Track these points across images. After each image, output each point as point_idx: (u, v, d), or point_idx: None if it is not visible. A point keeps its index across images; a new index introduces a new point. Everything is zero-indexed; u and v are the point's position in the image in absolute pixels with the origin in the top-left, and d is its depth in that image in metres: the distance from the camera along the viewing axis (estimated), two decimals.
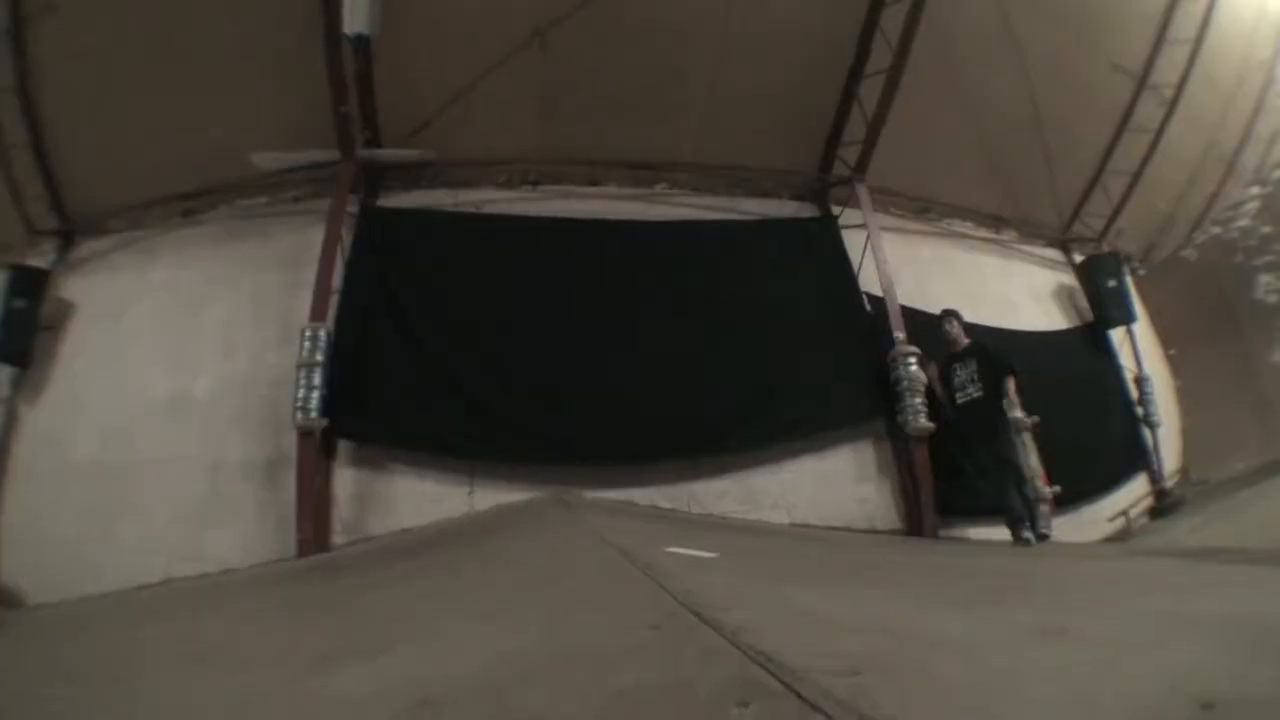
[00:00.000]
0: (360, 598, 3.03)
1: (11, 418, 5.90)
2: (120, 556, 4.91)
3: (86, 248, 5.35)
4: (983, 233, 6.82)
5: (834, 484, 5.24)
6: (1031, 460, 5.17)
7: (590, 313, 4.83)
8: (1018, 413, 4.97)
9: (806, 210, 5.92)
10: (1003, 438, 4.70)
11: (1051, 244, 7.14)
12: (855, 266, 5.56)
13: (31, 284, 5.79)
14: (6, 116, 5.82)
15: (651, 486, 4.80)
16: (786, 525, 5.01)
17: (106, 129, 5.35)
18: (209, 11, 4.97)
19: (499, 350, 4.72)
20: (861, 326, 5.34)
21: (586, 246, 4.99)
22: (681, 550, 2.78)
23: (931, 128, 6.08)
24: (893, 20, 5.20)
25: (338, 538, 4.81)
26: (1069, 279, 7.19)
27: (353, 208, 4.82)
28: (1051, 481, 5.19)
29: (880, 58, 5.39)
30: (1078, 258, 7.21)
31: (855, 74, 5.61)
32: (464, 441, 4.59)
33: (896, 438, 5.27)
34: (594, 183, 5.30)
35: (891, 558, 4.01)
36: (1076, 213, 7.14)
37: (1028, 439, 5.19)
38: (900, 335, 5.30)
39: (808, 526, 5.04)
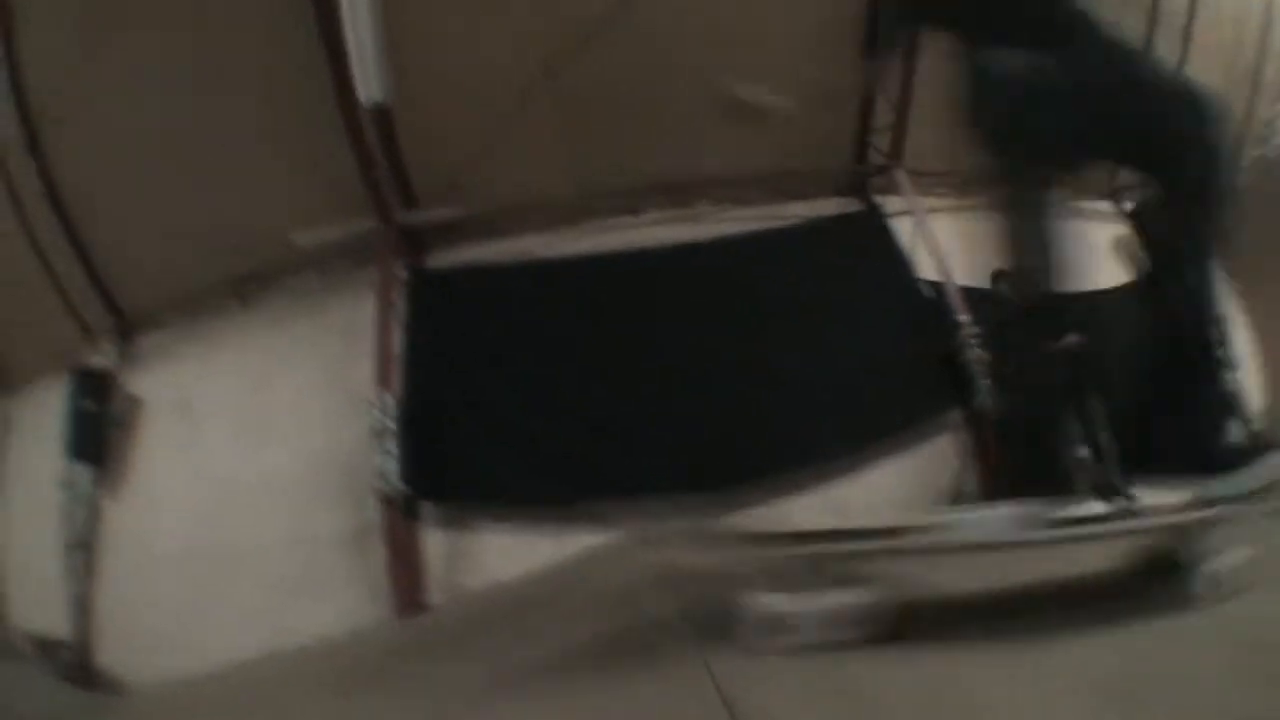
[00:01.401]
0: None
1: (95, 513, 6.18)
2: (220, 636, 5.06)
3: (146, 342, 5.55)
4: None
5: (917, 482, 5.17)
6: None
7: (648, 344, 4.86)
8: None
9: (851, 205, 5.85)
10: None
11: (1101, 196, 7.00)
12: (908, 254, 5.49)
13: (96, 385, 6.03)
14: (42, 226, 6.08)
15: (739, 509, 4.70)
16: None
17: (144, 227, 5.53)
18: (224, 101, 5.10)
19: (563, 393, 4.77)
20: (923, 316, 5.27)
21: (634, 277, 5.02)
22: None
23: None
24: None
25: (433, 596, 5.00)
26: (1124, 232, 7.08)
27: (402, 271, 4.92)
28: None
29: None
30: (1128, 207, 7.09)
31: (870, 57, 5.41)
32: (540, 489, 4.66)
33: (973, 424, 5.19)
34: (634, 211, 5.31)
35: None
36: None
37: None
38: (964, 318, 5.23)
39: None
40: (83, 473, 6.11)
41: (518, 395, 4.76)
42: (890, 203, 5.81)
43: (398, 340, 4.74)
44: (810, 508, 4.97)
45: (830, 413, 4.94)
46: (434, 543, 4.82)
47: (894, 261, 5.46)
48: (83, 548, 6.23)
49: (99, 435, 5.85)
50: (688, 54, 5.25)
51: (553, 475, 4.66)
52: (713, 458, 4.71)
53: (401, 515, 4.69)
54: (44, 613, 6.67)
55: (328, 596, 4.93)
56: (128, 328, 5.62)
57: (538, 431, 4.71)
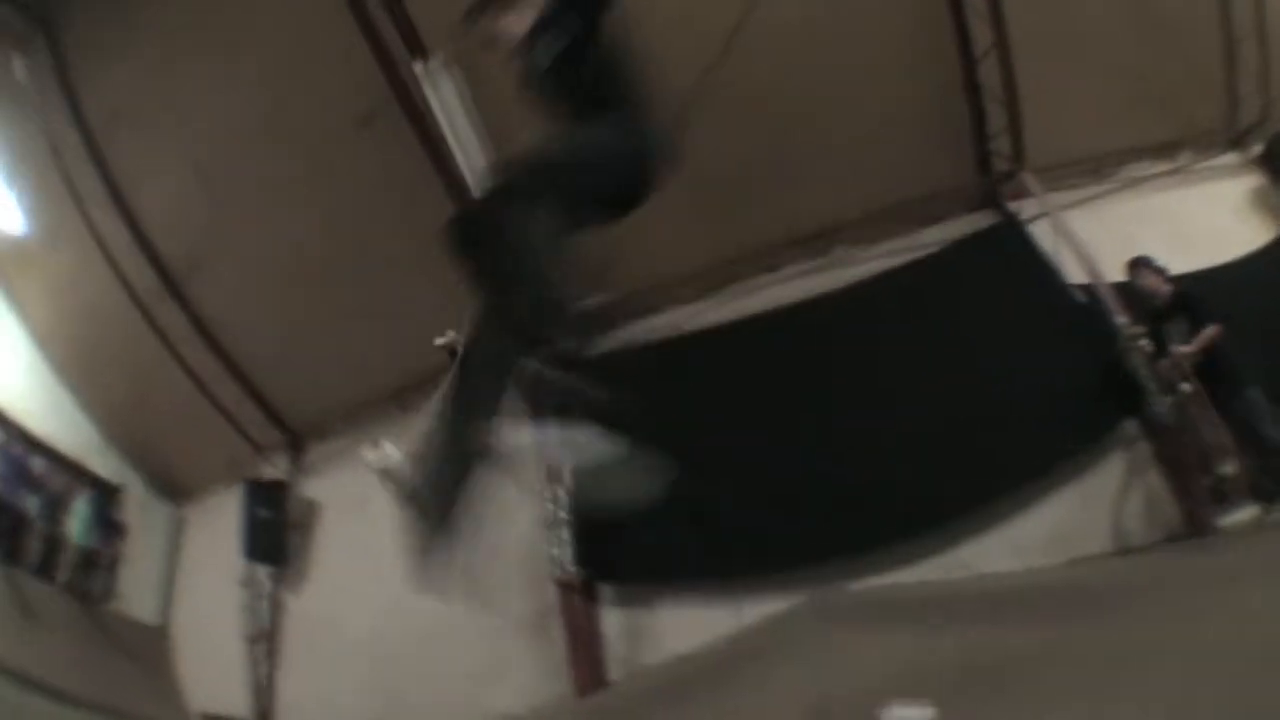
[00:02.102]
0: None
1: (277, 608, 6.64)
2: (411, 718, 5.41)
3: (317, 451, 5.96)
4: (1160, 166, 6.06)
5: (1101, 506, 4.87)
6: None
7: (808, 405, 4.84)
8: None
9: (986, 219, 5.64)
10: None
11: (1227, 147, 6.21)
12: (1053, 258, 5.21)
13: (269, 495, 6.53)
14: (196, 357, 6.73)
15: (919, 561, 4.68)
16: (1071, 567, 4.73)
17: (299, 349, 6.01)
18: (352, 235, 5.55)
19: (728, 464, 4.76)
20: (1080, 325, 4.98)
21: (784, 339, 5.03)
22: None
23: (1062, 80, 5.63)
24: None
25: (613, 673, 5.14)
26: (1260, 181, 6.20)
27: None
28: None
29: (982, 36, 5.17)
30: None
31: (967, 62, 5.34)
32: (715, 563, 4.70)
33: (1150, 435, 4.83)
34: (773, 268, 5.36)
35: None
36: (1234, 100, 6.18)
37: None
38: (1122, 319, 4.88)
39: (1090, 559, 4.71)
40: (262, 571, 6.60)
41: (681, 472, 4.86)
42: (1026, 206, 5.56)
43: None
44: (992, 550, 4.78)
45: (1003, 448, 4.72)
46: (612, 621, 4.96)
47: (1039, 273, 5.19)
48: (264, 638, 6.73)
49: (276, 538, 6.31)
50: (794, 103, 5.29)
51: (725, 548, 4.69)
52: (887, 514, 4.62)
53: (579, 598, 4.85)
54: (222, 698, 7.19)
55: (511, 678, 5.15)
56: (297, 439, 6.06)
57: (706, 506, 4.70)
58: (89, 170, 6.54)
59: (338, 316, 5.68)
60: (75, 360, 10.27)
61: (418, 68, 4.72)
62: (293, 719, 6.47)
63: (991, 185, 5.65)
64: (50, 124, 6.35)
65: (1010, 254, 5.31)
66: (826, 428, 4.83)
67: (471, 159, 4.79)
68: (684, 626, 4.84)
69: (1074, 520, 4.86)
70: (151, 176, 6.52)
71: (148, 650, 8.92)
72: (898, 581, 4.66)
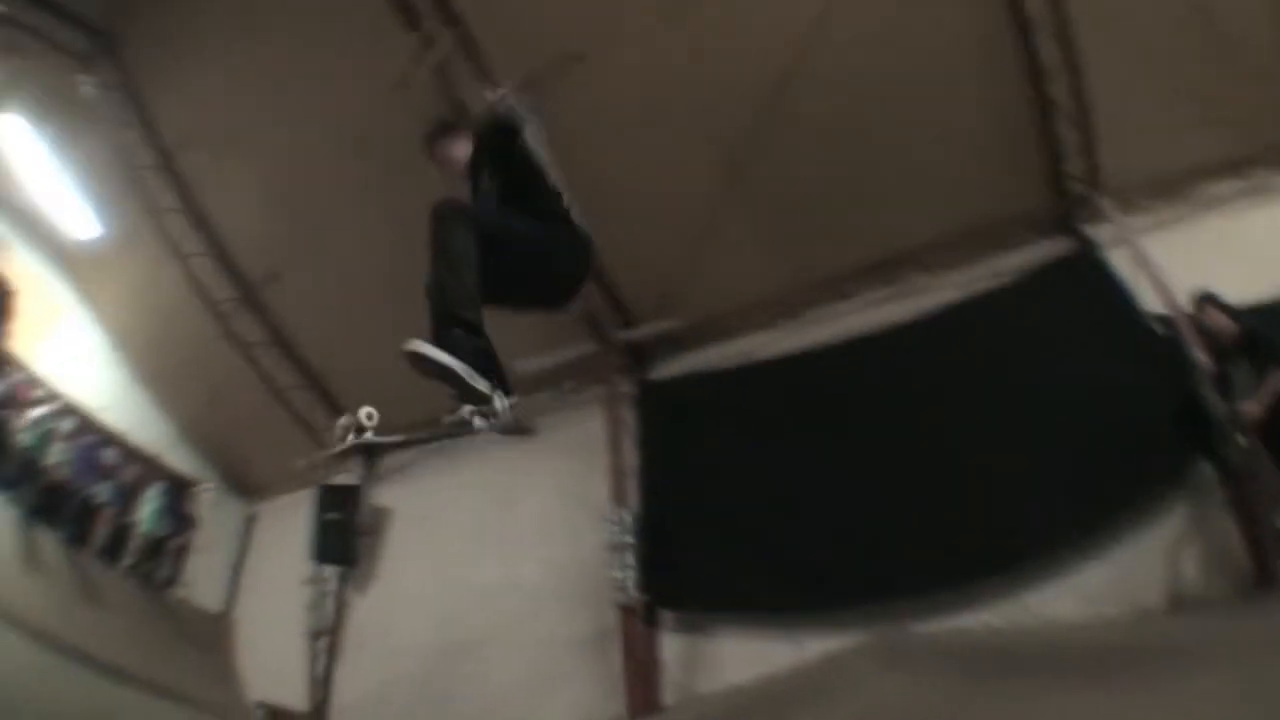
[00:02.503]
0: None
1: (341, 607, 6.93)
2: None
3: (391, 459, 6.24)
4: (1235, 185, 5.69)
5: (1167, 550, 4.59)
6: None
7: (876, 438, 4.81)
8: None
9: (1061, 245, 5.44)
10: None
11: None
12: (1130, 287, 4.96)
13: (340, 498, 6.85)
14: (272, 362, 7.11)
15: (983, 604, 4.55)
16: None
17: (375, 357, 6.24)
18: (418, 241, 5.68)
19: (795, 496, 4.81)
20: (1157, 358, 4.75)
21: (853, 370, 5.02)
22: None
23: (1132, 99, 5.38)
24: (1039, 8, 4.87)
25: (668, 698, 5.22)
26: None
27: (628, 386, 5.30)
28: None
29: (1050, 55, 5.01)
30: None
31: (1036, 82, 5.17)
32: (778, 596, 4.71)
33: (1224, 479, 4.50)
34: (846, 296, 5.33)
35: None
36: None
37: None
38: (1199, 354, 4.56)
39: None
40: (328, 572, 6.90)
41: (749, 501, 4.86)
42: (1102, 231, 5.33)
43: (630, 454, 5.05)
44: (1058, 596, 4.59)
45: (1072, 492, 4.56)
46: (671, 646, 5.00)
47: (1117, 303, 4.98)
48: (326, 635, 7.02)
49: (344, 540, 6.60)
50: (864, 128, 5.25)
51: (788, 581, 4.69)
52: (953, 555, 4.55)
53: (639, 622, 4.92)
54: (280, 689, 7.49)
55: (564, 694, 5.21)
56: (369, 447, 6.32)
57: (771, 537, 4.77)
58: (164, 182, 7.02)
59: (413, 329, 5.84)
60: (151, 360, 10.89)
61: (486, 94, 4.89)
62: (347, 715, 6.72)
63: (1066, 209, 5.46)
64: (123, 139, 6.84)
65: (1087, 283, 5.11)
66: (894, 463, 4.79)
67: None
68: (743, 657, 4.86)
69: (1143, 567, 4.61)
70: (226, 191, 6.97)
71: (209, 637, 9.34)
72: (960, 626, 4.57)
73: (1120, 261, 5.14)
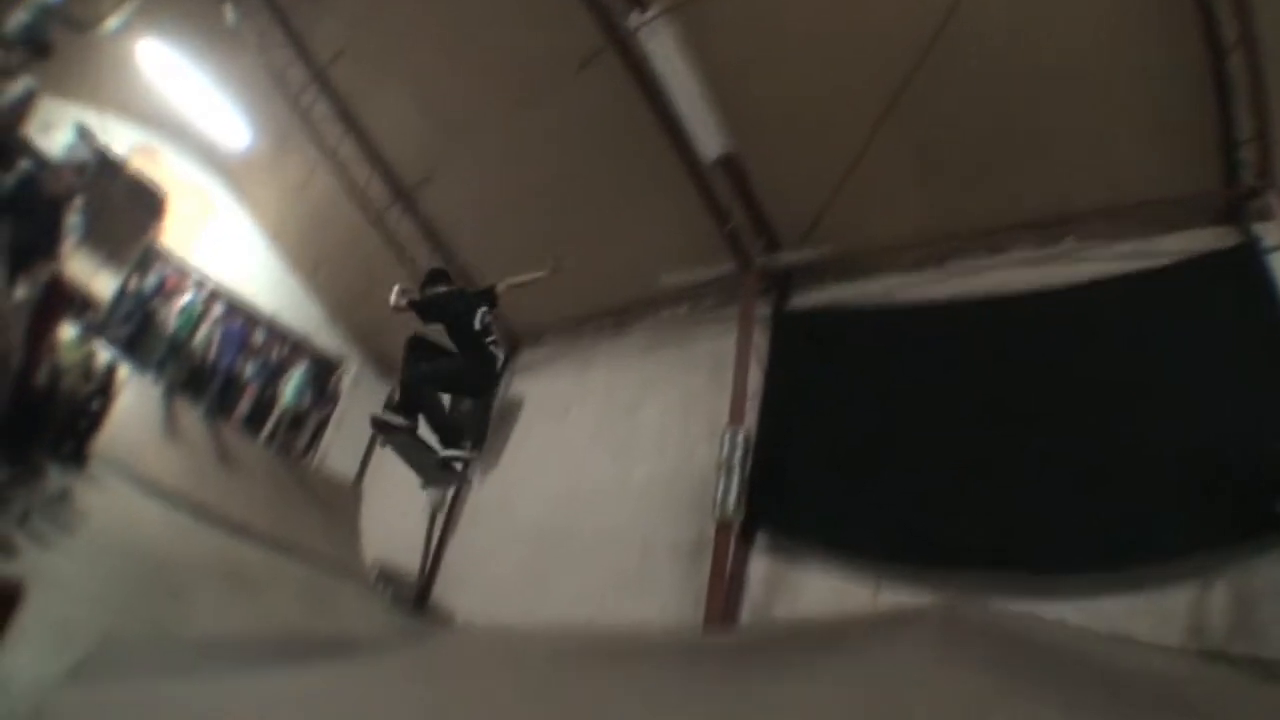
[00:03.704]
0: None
1: (463, 485, 7.85)
2: (552, 604, 6.18)
3: (529, 355, 6.98)
4: None
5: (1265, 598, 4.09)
6: None
7: (998, 403, 4.79)
8: None
9: (1225, 237, 5.01)
10: None
11: None
12: None
13: None
14: (423, 258, 7.96)
15: (1063, 599, 4.43)
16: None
17: (521, 259, 6.80)
18: (574, 165, 6.08)
19: (905, 447, 4.93)
20: None
21: (990, 329, 4.99)
22: None
23: None
24: None
25: (746, 616, 5.55)
26: None
27: (764, 310, 5.54)
28: None
29: (1230, 29, 4.50)
30: None
31: (1215, 58, 4.70)
32: (866, 540, 4.88)
33: None
34: (998, 250, 5.23)
35: None
36: None
37: None
38: None
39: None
40: (456, 454, 7.82)
41: (860, 443, 5.04)
42: (1270, 230, 4.76)
43: (754, 377, 5.35)
44: (1136, 611, 4.35)
45: (1188, 507, 4.28)
46: (757, 568, 5.35)
47: (1269, 310, 4.56)
48: (444, 510, 8.00)
49: (476, 426, 7.45)
50: (1031, 77, 5.04)
51: (879, 528, 4.85)
52: (1043, 538, 4.49)
53: (733, 539, 5.27)
54: (398, 555, 8.56)
55: (653, 594, 5.70)
56: (512, 341, 7.10)
57: (873, 483, 4.93)
58: (317, 94, 7.93)
59: (562, 234, 6.33)
60: (304, 252, 12.41)
61: (633, 17, 5.03)
62: (453, 583, 7.65)
63: (1234, 200, 4.98)
64: (273, 59, 7.74)
65: (1243, 282, 4.71)
66: (1009, 433, 4.77)
67: (688, 104, 5.05)
68: (821, 591, 5.12)
69: (1234, 610, 4.16)
70: (379, 102, 7.74)
71: (338, 502, 10.74)
72: (1035, 614, 4.35)
73: None
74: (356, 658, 4.51)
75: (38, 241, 4.81)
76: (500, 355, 5.77)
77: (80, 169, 5.77)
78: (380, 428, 5.07)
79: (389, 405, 5.46)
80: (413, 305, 5.05)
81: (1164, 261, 4.99)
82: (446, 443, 5.34)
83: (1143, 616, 4.31)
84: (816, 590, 5.21)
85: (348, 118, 8.10)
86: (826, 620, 4.90)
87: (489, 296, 5.22)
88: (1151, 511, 4.38)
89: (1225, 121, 4.94)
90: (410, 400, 5.00)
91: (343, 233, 10.07)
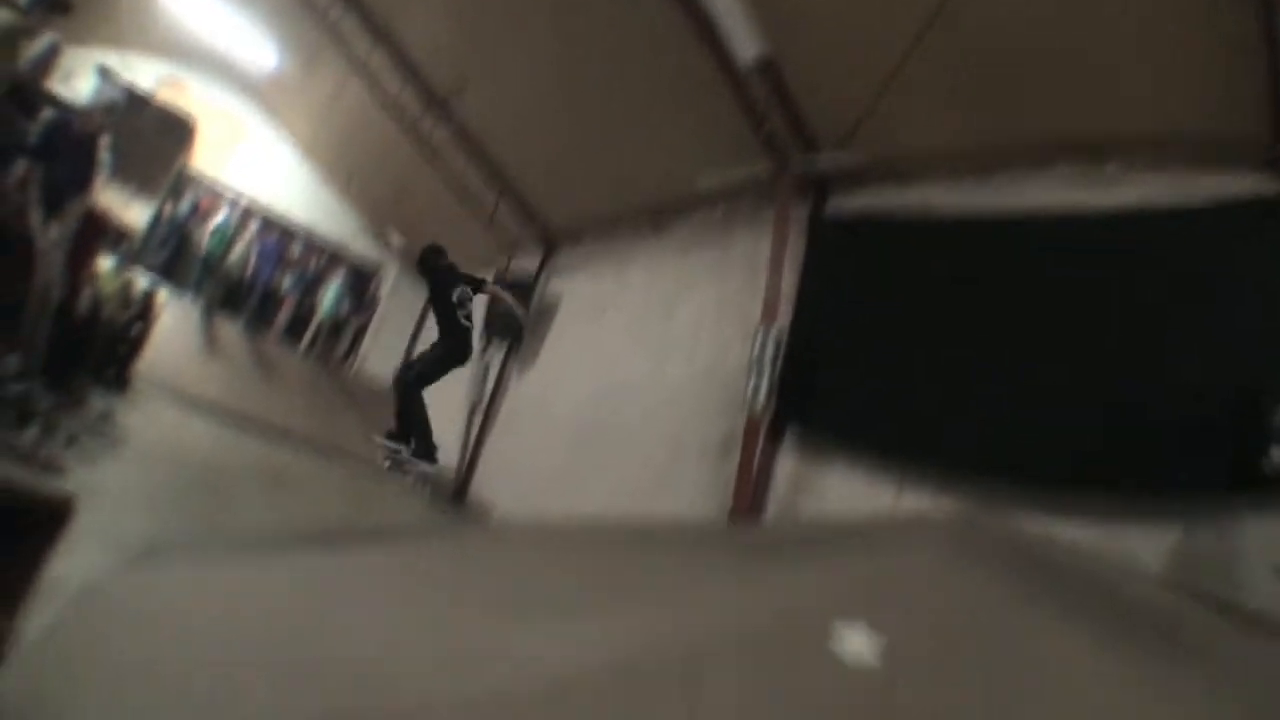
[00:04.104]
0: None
1: (504, 379, 8.18)
2: (586, 499, 6.51)
3: (567, 255, 7.07)
4: None
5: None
6: None
7: (1028, 319, 4.76)
8: None
9: (1268, 184, 5.06)
10: None
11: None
12: None
13: (515, 286, 7.85)
14: (457, 164, 7.91)
15: (1081, 518, 4.29)
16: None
17: (559, 166, 6.89)
18: (607, 69, 5.97)
19: (936, 354, 4.93)
20: None
21: (1025, 249, 4.89)
22: None
23: None
24: None
25: (771, 513, 5.87)
26: None
27: (800, 213, 5.49)
28: None
29: None
30: None
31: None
32: (894, 446, 4.93)
33: None
34: (1037, 167, 5.01)
35: None
36: None
37: None
38: None
39: None
40: (495, 351, 8.12)
41: (892, 346, 5.06)
42: None
43: (789, 282, 5.41)
44: (1162, 547, 4.17)
45: (1188, 444, 4.21)
46: (785, 465, 5.51)
47: None
48: (483, 406, 8.35)
49: (514, 323, 7.70)
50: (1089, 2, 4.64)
51: (906, 431, 4.92)
52: (1067, 459, 4.49)
53: (763, 436, 5.43)
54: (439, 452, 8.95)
55: (685, 490, 5.92)
56: (552, 241, 7.21)
57: (903, 386, 4.97)
58: (343, 8, 7.82)
59: (597, 135, 6.43)
60: (338, 164, 12.48)
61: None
62: (492, 478, 8.06)
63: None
64: None
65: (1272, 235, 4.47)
66: (1039, 351, 4.76)
67: (724, 5, 4.89)
68: (846, 492, 5.22)
69: (1222, 558, 3.94)
70: (407, 11, 7.58)
71: (378, 404, 11.18)
72: (1050, 535, 4.56)
73: None
74: (395, 545, 4.92)
75: (71, 181, 5.05)
76: (472, 325, 6.92)
77: (109, 108, 5.90)
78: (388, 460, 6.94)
79: (389, 435, 7.26)
80: (425, 267, 6.61)
81: (1204, 200, 4.75)
82: (417, 453, 6.79)
83: (1139, 550, 4.16)
84: (840, 491, 5.33)
85: (377, 30, 8.01)
86: (847, 519, 5.15)
87: (474, 282, 6.64)
88: (1163, 446, 4.33)
89: (1276, 62, 4.59)
90: (404, 428, 6.95)
91: (375, 143, 10.15)
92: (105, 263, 6.44)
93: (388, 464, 6.87)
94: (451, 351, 6.68)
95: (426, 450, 6.79)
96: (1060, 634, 2.69)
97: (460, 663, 2.22)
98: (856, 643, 2.49)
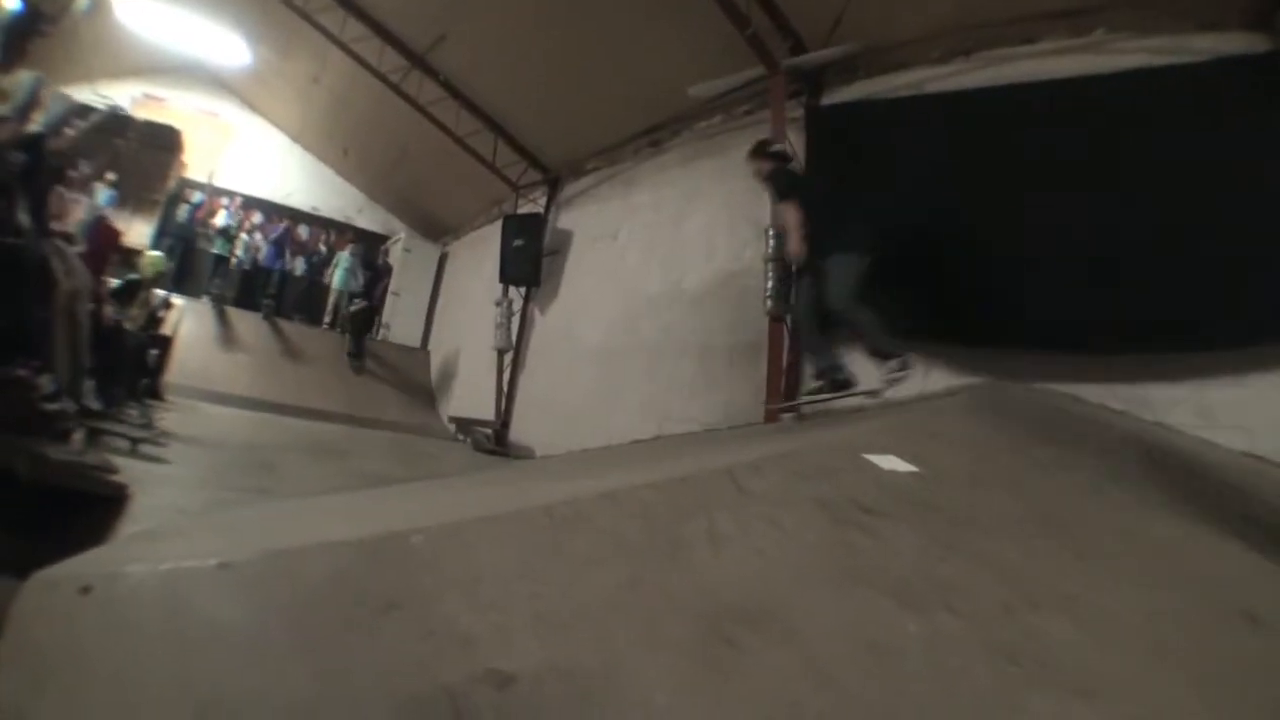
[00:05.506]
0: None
1: (527, 320, 8.47)
2: (623, 418, 6.81)
3: (572, 188, 7.23)
4: None
5: None
6: None
7: (1036, 185, 4.84)
8: None
9: (1257, 43, 4.64)
10: None
11: None
12: None
13: (526, 226, 8.08)
14: (450, 116, 7.94)
15: (1106, 383, 4.60)
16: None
17: (549, 97, 6.92)
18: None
19: (944, 230, 5.02)
20: None
21: (1024, 115, 4.95)
22: None
23: None
24: None
25: (806, 408, 6.17)
26: None
27: (796, 111, 5.59)
28: None
29: None
30: None
31: None
32: (911, 321, 4.94)
33: None
34: (1028, 40, 5.11)
35: None
36: None
37: None
38: None
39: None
40: (514, 292, 8.38)
41: (900, 227, 5.00)
42: None
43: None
44: (1179, 401, 4.39)
45: (1228, 294, 4.35)
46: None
47: None
48: (510, 350, 8.67)
49: (529, 263, 7.94)
50: None
51: (923, 309, 5.02)
52: (1085, 318, 4.67)
53: (785, 333, 5.67)
54: (473, 405, 9.38)
55: (717, 394, 6.18)
56: (555, 177, 7.37)
57: (916, 267, 5.03)
58: None
59: (585, 65, 6.48)
60: (331, 140, 12.58)
61: None
62: (528, 417, 8.44)
63: (1271, 5, 4.51)
64: None
65: (1273, 91, 4.46)
66: (1045, 217, 4.87)
67: None
68: (874, 376, 5.06)
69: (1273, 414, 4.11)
70: None
71: (408, 369, 11.63)
72: (1077, 395, 4.57)
73: None
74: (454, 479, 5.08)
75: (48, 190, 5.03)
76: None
77: (77, 112, 5.97)
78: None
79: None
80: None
81: (1193, 59, 4.76)
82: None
83: (1183, 407, 4.41)
84: (870, 375, 5.30)
85: (346, 2, 8.10)
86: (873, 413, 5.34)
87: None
88: (1188, 303, 4.44)
89: None
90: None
91: (364, 111, 10.25)
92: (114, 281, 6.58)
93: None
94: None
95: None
96: (1062, 464, 2.81)
97: (528, 496, 2.64)
98: (891, 461, 2.80)
